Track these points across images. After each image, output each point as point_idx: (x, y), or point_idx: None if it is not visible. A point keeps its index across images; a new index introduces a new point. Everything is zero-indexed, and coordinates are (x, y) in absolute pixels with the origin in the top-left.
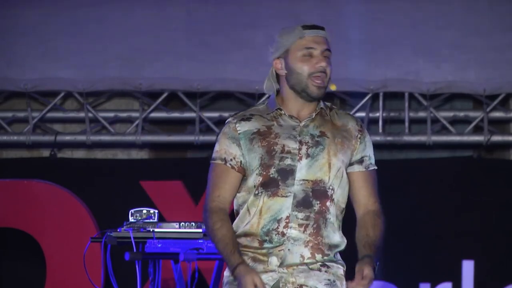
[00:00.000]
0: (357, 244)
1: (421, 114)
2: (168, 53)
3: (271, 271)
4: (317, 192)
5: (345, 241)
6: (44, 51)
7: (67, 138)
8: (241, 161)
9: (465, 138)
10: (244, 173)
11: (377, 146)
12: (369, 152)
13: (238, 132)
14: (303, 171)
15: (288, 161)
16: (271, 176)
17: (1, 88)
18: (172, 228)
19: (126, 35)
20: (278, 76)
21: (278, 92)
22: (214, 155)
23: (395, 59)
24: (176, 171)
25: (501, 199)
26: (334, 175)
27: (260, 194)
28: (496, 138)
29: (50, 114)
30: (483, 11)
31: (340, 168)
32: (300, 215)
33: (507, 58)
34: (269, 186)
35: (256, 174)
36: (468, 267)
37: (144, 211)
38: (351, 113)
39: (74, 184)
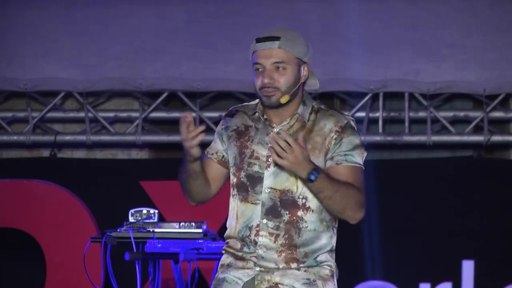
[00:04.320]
0: None
1: (421, 114)
2: (168, 53)
3: (249, 268)
4: (286, 202)
5: (333, 241)
6: (44, 51)
7: (67, 138)
8: (223, 155)
9: (465, 138)
10: (226, 166)
11: (377, 146)
12: (346, 151)
13: (222, 127)
14: (270, 179)
15: (256, 168)
16: (241, 179)
17: (1, 88)
18: (172, 228)
19: (126, 35)
20: None
21: None
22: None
23: (395, 59)
24: (176, 171)
25: (501, 199)
26: (303, 183)
27: (235, 196)
28: (496, 138)
29: (50, 114)
30: (483, 11)
31: None
32: (270, 223)
33: (507, 58)
34: (241, 190)
35: (232, 172)
36: (468, 267)
37: (144, 211)
38: (351, 113)
39: (74, 184)
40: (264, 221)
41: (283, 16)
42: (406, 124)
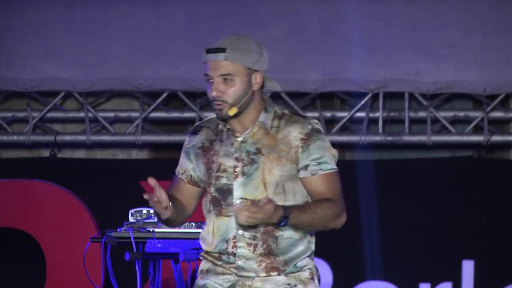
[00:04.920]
0: None
1: (421, 114)
2: (168, 53)
3: (229, 274)
4: None
5: (312, 245)
6: (44, 51)
7: (67, 138)
8: (191, 175)
9: (465, 138)
10: (198, 185)
11: (377, 146)
12: (317, 158)
13: (188, 145)
14: (240, 190)
15: (224, 180)
16: (213, 195)
17: (1, 88)
18: (172, 228)
19: (126, 35)
20: None
21: None
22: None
23: (395, 59)
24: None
25: (501, 199)
26: (273, 192)
27: (211, 211)
28: (496, 138)
29: (50, 114)
30: (483, 11)
31: (279, 183)
32: (247, 234)
33: (507, 58)
34: (215, 204)
35: (207, 190)
36: (468, 267)
37: (144, 211)
38: (351, 113)
39: (74, 184)
40: (240, 232)
41: (283, 16)
42: (406, 124)
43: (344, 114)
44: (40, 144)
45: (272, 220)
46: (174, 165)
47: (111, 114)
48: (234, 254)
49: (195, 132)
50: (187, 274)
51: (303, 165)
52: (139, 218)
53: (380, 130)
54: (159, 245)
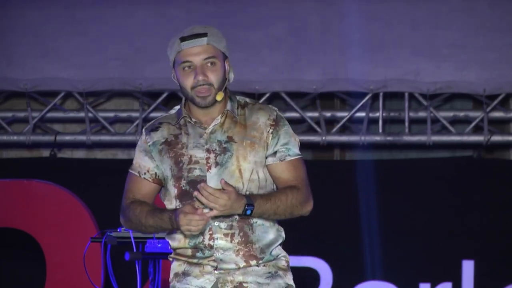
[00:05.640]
0: None
1: (421, 114)
2: None
3: (208, 273)
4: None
5: (282, 233)
6: (44, 51)
7: (67, 138)
8: (155, 173)
9: (465, 138)
10: (161, 183)
11: (377, 146)
12: (285, 143)
13: (148, 144)
14: (214, 180)
15: (197, 172)
16: (183, 188)
17: (1, 88)
18: None
19: (126, 35)
20: None
21: None
22: (131, 166)
23: (395, 59)
24: None
25: (501, 199)
26: (248, 179)
27: (178, 207)
28: (496, 138)
29: (50, 114)
30: (483, 11)
31: (253, 170)
32: (223, 224)
33: (507, 58)
34: (185, 198)
35: (171, 184)
36: (468, 267)
37: None
38: (351, 113)
39: (74, 184)
40: (216, 223)
41: (283, 16)
42: (406, 124)
43: (344, 114)
44: (40, 144)
45: (235, 208)
46: None
47: (111, 114)
48: (211, 247)
49: (153, 130)
50: None
51: (272, 151)
52: None
53: (380, 130)
54: (159, 245)
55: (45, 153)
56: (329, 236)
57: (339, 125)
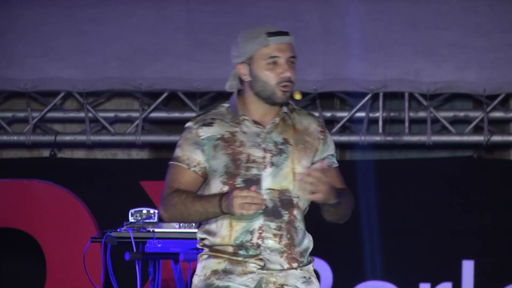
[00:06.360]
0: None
1: (421, 114)
2: (168, 53)
3: (251, 272)
4: (284, 201)
5: (312, 241)
6: (44, 51)
7: (67, 138)
8: (205, 167)
9: (465, 138)
10: (206, 177)
11: (377, 146)
12: (331, 151)
13: (201, 137)
14: (268, 180)
15: (254, 171)
16: (237, 186)
17: (1, 88)
18: (172, 228)
19: (126, 35)
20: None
21: (238, 92)
22: (176, 159)
23: (395, 59)
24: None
25: (501, 199)
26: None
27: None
28: (496, 138)
29: (50, 114)
30: (483, 11)
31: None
32: (273, 224)
33: (507, 58)
34: None
35: (220, 181)
36: (468, 267)
37: (144, 211)
38: (351, 113)
39: (74, 184)
40: (267, 223)
41: (283, 16)
42: (406, 124)
43: (344, 114)
44: (40, 144)
45: (332, 194)
46: None
47: (111, 114)
48: (258, 246)
49: (206, 125)
50: (187, 274)
51: (321, 157)
52: (139, 218)
53: (380, 130)
54: (159, 245)
55: (45, 153)
56: (329, 236)
57: (339, 125)
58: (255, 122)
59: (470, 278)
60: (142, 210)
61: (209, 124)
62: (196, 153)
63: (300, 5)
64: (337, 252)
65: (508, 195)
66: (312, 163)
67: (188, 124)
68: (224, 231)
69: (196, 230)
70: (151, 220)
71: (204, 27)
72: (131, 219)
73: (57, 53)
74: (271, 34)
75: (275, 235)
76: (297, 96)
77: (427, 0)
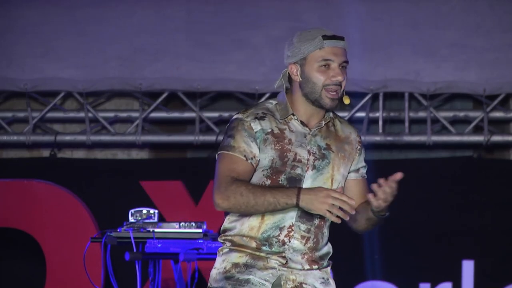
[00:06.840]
0: (360, 214)
1: (421, 114)
2: (168, 53)
3: (272, 268)
4: None
5: (331, 247)
6: (44, 51)
7: (67, 138)
8: (259, 160)
9: (465, 138)
10: (255, 171)
11: (377, 146)
12: (364, 163)
13: (255, 130)
14: (308, 182)
15: (298, 170)
16: (280, 182)
17: (1, 88)
18: (172, 228)
19: (126, 35)
20: (290, 77)
21: (286, 90)
22: (230, 148)
23: (395, 59)
24: (176, 171)
25: (501, 199)
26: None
27: None
28: (496, 138)
29: (50, 114)
30: (483, 11)
31: (340, 182)
32: (303, 226)
33: (507, 58)
34: None
35: (264, 175)
36: (468, 267)
37: (144, 211)
38: (351, 113)
39: (74, 184)
40: (298, 223)
41: (283, 16)
42: (406, 124)
43: (344, 114)
44: (40, 144)
45: (384, 210)
46: (175, 165)
47: (111, 114)
48: (283, 243)
49: (258, 118)
50: (187, 274)
51: (356, 168)
52: (139, 218)
53: (380, 130)
54: (159, 245)
55: (45, 153)
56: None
57: None
58: (302, 123)
59: (470, 278)
60: (142, 210)
61: (261, 118)
62: (252, 146)
63: (300, 5)
64: (337, 252)
65: (508, 195)
66: (348, 172)
67: (238, 116)
68: (254, 222)
69: (196, 230)
70: (151, 220)
71: (204, 27)
72: (131, 219)
73: (57, 53)
74: (327, 37)
75: (302, 236)
76: (346, 101)
77: (427, 0)
